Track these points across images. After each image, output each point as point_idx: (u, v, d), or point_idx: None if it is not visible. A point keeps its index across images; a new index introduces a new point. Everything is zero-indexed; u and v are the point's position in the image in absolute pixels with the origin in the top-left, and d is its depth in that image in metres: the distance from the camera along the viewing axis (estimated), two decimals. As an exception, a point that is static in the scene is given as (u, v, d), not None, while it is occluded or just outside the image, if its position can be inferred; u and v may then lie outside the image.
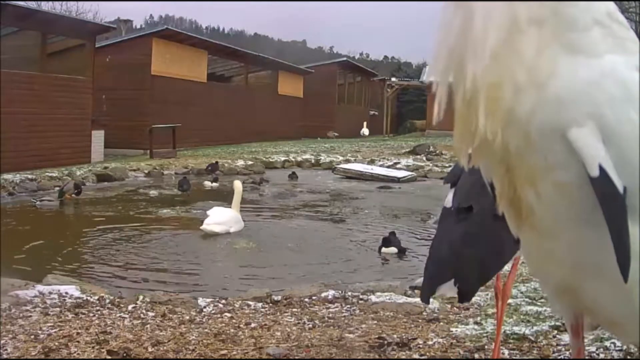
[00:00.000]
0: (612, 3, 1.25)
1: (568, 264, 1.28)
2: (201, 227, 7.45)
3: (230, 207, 7.85)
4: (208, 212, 7.62)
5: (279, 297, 4.22)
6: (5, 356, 3.01)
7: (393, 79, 37.03)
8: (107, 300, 4.03)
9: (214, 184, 12.11)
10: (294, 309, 3.96)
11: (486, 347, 3.20)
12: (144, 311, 3.83)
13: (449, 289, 2.20)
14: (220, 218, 7.52)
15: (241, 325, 3.62)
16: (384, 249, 6.74)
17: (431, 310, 3.85)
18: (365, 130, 32.41)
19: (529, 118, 1.17)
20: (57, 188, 10.52)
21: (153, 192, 11.35)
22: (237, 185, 8.13)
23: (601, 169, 1.14)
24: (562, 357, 3.11)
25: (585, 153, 1.14)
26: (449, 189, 2.41)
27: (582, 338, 1.47)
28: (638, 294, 1.22)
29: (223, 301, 4.13)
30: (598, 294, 1.28)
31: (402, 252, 6.70)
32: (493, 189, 1.36)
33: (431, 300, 3.91)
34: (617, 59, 1.19)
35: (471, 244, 2.18)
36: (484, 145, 1.22)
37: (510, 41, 1.17)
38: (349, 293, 4.30)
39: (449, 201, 2.36)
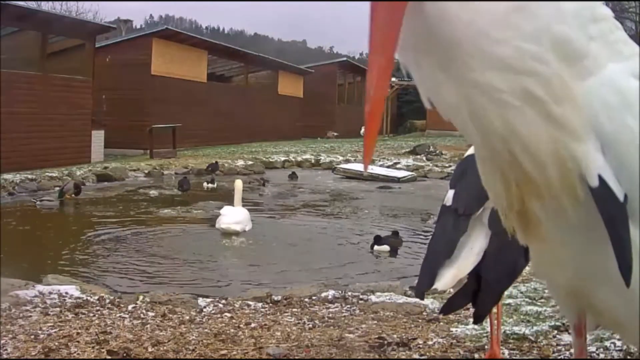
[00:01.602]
0: (594, 3, 1.23)
1: (575, 271, 1.30)
2: (221, 226, 7.48)
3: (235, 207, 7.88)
4: (221, 212, 7.64)
5: (279, 297, 4.22)
6: (5, 356, 3.01)
7: (393, 79, 36.98)
8: (107, 300, 4.03)
9: (211, 185, 12.05)
10: (294, 309, 3.96)
11: (486, 347, 3.19)
12: (144, 311, 3.83)
13: (447, 284, 2.21)
14: (238, 217, 7.57)
15: (241, 325, 3.62)
16: (376, 247, 6.77)
17: (431, 310, 3.85)
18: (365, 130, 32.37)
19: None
20: (57, 188, 10.52)
21: (153, 192, 11.35)
22: (238, 184, 8.14)
23: (600, 178, 1.14)
24: (562, 357, 3.11)
25: (584, 164, 1.14)
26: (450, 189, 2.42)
27: (585, 338, 1.48)
28: None
29: (223, 301, 4.13)
30: (607, 298, 1.29)
31: (394, 250, 6.72)
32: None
33: (431, 300, 3.94)
34: (613, 67, 1.18)
35: (491, 270, 2.20)
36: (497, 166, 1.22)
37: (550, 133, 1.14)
38: (349, 293, 4.30)
39: (448, 199, 2.36)
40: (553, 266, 1.35)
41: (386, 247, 6.74)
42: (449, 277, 2.18)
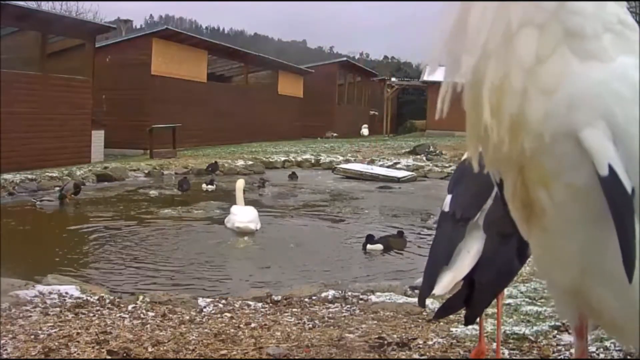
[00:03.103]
0: (623, 9, 1.25)
1: (578, 266, 1.29)
2: (236, 226, 7.50)
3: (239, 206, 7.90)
4: (232, 211, 7.65)
5: (279, 297, 4.22)
6: (5, 356, 3.01)
7: (393, 79, 36.97)
8: (107, 300, 4.03)
9: (210, 186, 11.93)
10: (294, 309, 3.96)
11: (486, 347, 3.19)
12: (144, 311, 3.83)
13: (444, 288, 2.22)
14: (251, 216, 7.61)
15: (241, 325, 3.62)
16: (369, 246, 6.78)
17: (431, 310, 3.85)
18: (364, 130, 32.37)
19: (541, 123, 1.18)
20: (57, 188, 10.52)
21: (153, 192, 11.35)
22: (239, 184, 8.15)
23: (610, 168, 1.14)
24: (562, 357, 3.11)
25: (595, 152, 1.15)
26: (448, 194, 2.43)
27: (586, 339, 1.47)
28: None
29: (223, 301, 4.13)
30: (606, 296, 1.29)
31: (387, 249, 6.74)
32: (501, 188, 1.36)
33: (431, 300, 3.93)
34: (629, 61, 1.20)
35: (484, 273, 2.20)
36: (499, 148, 1.22)
37: (505, 41, 1.17)
38: (349, 293, 4.30)
39: (446, 205, 2.37)
40: (554, 263, 1.35)
41: (379, 246, 6.75)
42: (447, 281, 2.19)
